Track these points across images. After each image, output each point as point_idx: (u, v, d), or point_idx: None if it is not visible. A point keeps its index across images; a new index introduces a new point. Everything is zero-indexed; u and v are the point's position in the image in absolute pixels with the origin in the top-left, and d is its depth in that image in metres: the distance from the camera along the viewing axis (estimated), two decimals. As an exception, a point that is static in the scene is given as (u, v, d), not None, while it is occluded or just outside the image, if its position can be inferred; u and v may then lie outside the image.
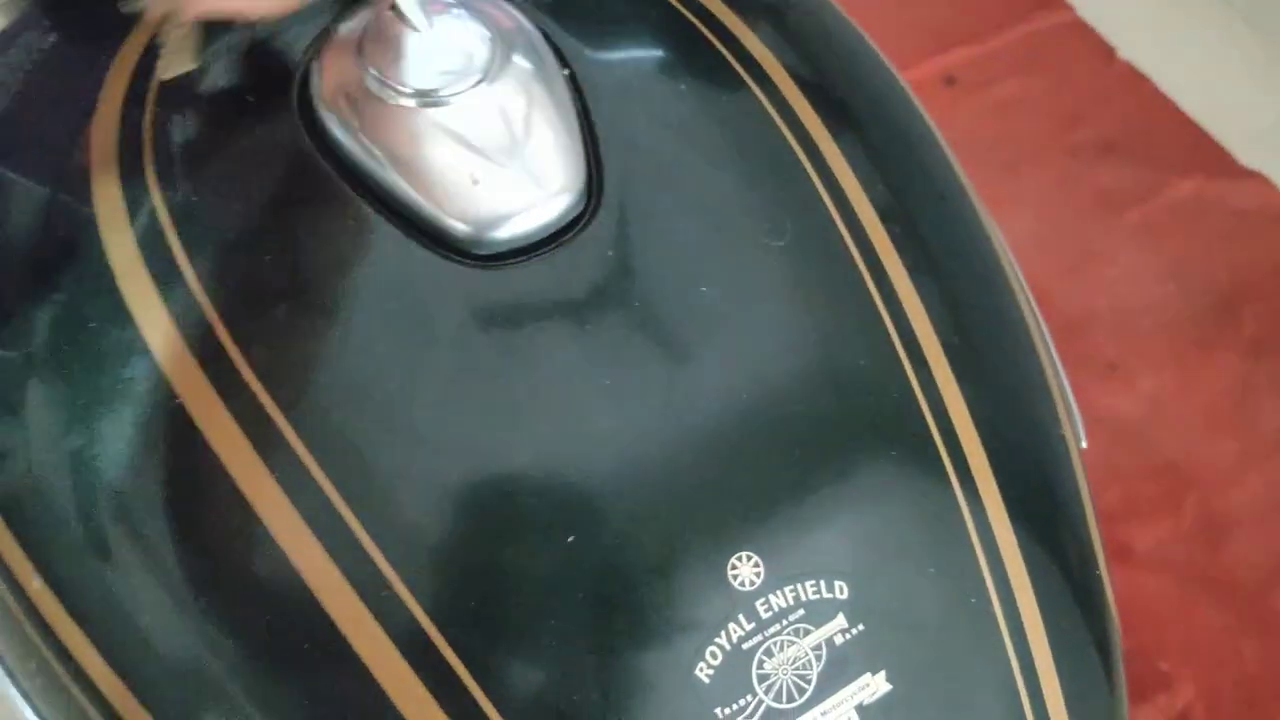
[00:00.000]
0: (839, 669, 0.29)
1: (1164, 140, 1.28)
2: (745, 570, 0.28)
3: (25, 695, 0.32)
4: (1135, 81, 1.40)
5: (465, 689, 0.26)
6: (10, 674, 0.33)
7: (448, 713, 0.25)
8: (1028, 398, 0.33)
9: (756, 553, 0.28)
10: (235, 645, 0.27)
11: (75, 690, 0.29)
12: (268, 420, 0.28)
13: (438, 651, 0.26)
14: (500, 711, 0.26)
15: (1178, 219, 1.17)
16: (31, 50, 0.37)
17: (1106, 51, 1.42)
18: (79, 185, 0.32)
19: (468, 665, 0.26)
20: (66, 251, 0.32)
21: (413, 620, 0.26)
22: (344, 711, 0.27)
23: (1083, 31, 1.42)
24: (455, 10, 0.32)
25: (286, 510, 0.27)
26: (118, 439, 0.29)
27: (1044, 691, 0.28)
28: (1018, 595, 0.29)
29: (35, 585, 0.29)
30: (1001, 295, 0.36)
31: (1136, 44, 1.43)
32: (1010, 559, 0.29)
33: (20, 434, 0.30)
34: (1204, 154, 1.29)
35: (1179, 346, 1.05)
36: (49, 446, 0.30)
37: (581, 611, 0.27)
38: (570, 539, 0.27)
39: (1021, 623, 0.29)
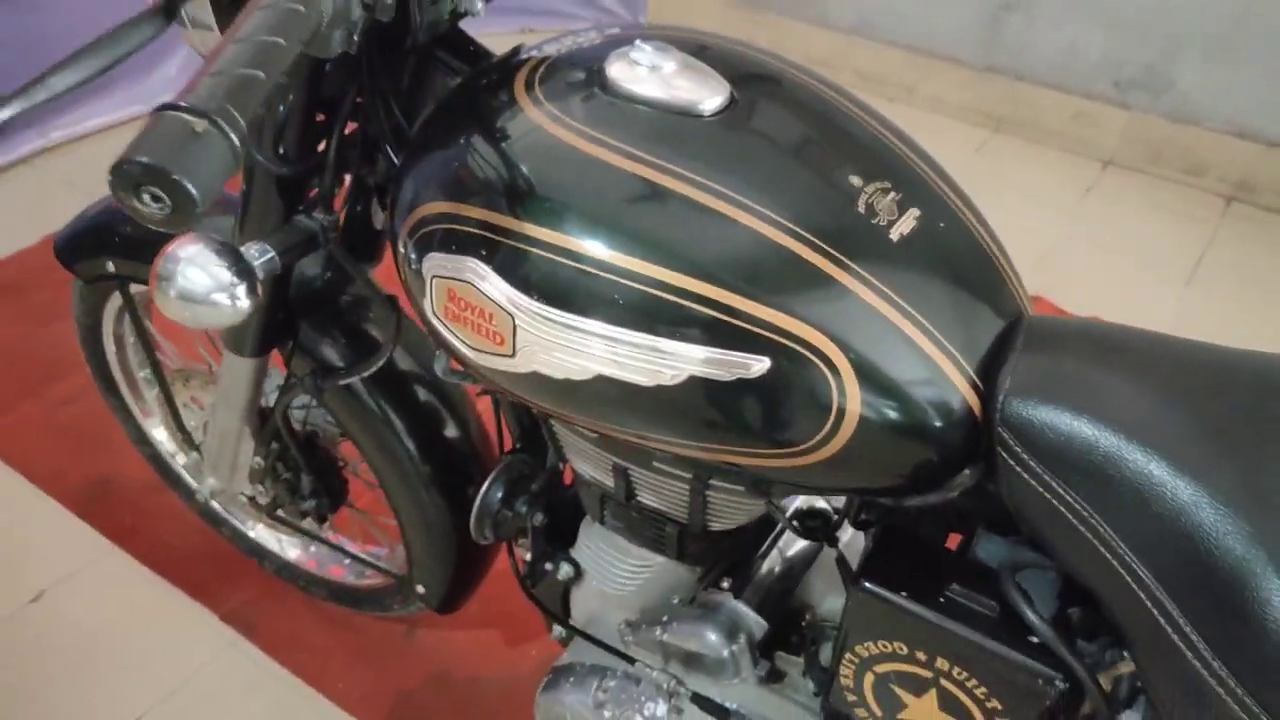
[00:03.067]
0: (904, 207, 0.70)
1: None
2: (858, 180, 0.70)
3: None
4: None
5: (837, 261, 0.68)
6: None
7: (835, 283, 0.67)
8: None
9: (859, 175, 0.71)
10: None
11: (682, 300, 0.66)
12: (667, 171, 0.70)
13: (801, 234, 0.67)
14: (823, 246, 0.68)
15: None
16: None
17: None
18: (510, 97, 0.76)
19: (833, 257, 0.68)
20: (502, 110, 0.75)
21: (783, 231, 0.68)
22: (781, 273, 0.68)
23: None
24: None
25: (725, 198, 0.68)
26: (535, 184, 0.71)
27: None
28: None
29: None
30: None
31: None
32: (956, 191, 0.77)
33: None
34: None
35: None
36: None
37: (823, 203, 0.70)
38: (813, 194, 0.71)
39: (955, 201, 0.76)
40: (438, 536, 1.22)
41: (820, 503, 0.97)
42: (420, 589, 1.28)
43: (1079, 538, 0.63)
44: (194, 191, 0.50)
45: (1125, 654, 0.68)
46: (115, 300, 1.33)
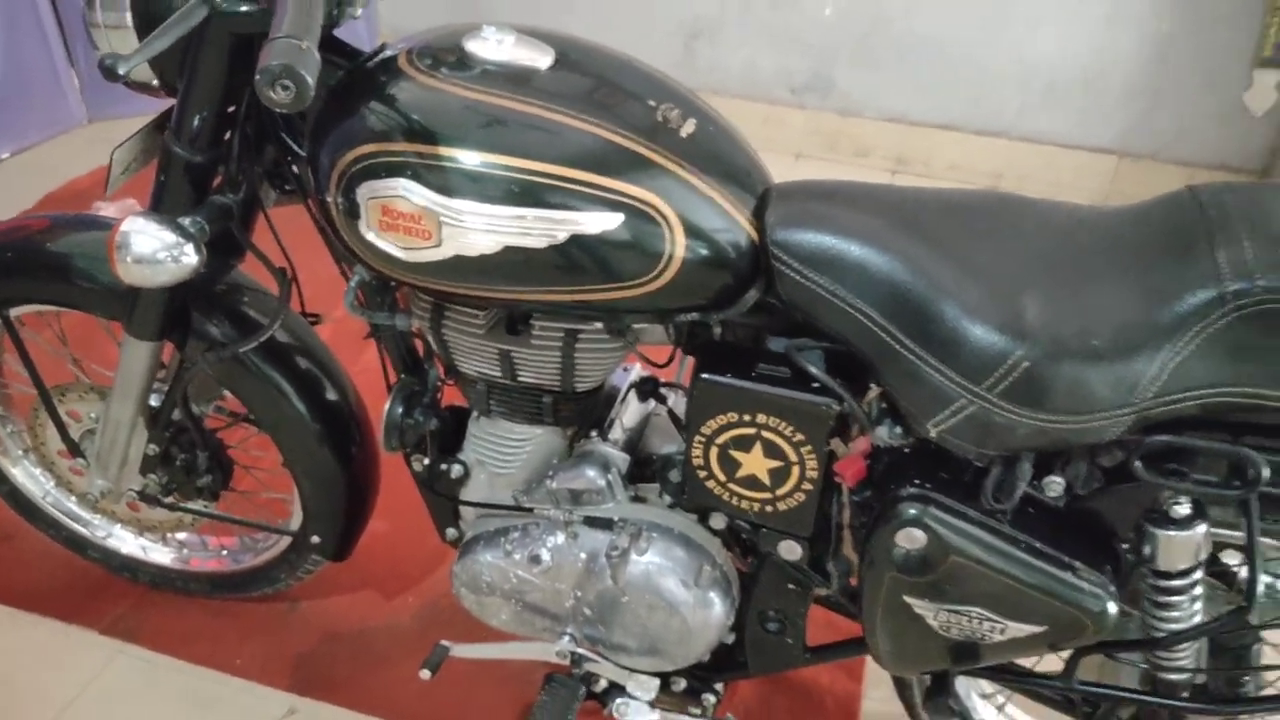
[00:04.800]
0: (685, 118, 1.05)
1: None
2: (653, 102, 1.04)
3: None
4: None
5: (654, 151, 1.01)
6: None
7: (656, 165, 1.00)
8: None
9: (653, 99, 1.05)
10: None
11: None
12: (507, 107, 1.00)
13: (629, 135, 1.00)
14: (644, 142, 1.01)
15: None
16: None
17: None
18: (400, 71, 1.04)
19: (651, 149, 1.01)
20: (397, 79, 1.02)
21: (616, 134, 1.00)
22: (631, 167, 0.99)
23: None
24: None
25: (572, 115, 1.00)
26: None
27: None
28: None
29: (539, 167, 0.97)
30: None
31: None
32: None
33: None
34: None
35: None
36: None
37: (636, 116, 1.02)
38: (629, 111, 1.03)
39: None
40: (329, 487, 1.42)
41: (648, 373, 1.29)
42: (316, 539, 1.46)
43: (832, 305, 0.98)
44: (311, 81, 0.77)
45: (873, 385, 1.04)
46: (-25, 336, 1.43)
